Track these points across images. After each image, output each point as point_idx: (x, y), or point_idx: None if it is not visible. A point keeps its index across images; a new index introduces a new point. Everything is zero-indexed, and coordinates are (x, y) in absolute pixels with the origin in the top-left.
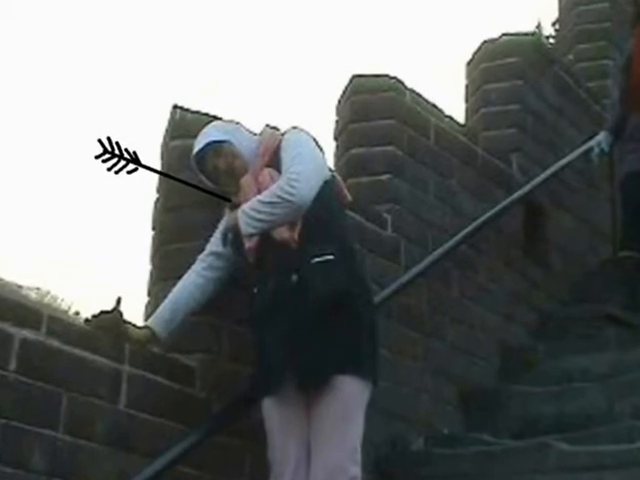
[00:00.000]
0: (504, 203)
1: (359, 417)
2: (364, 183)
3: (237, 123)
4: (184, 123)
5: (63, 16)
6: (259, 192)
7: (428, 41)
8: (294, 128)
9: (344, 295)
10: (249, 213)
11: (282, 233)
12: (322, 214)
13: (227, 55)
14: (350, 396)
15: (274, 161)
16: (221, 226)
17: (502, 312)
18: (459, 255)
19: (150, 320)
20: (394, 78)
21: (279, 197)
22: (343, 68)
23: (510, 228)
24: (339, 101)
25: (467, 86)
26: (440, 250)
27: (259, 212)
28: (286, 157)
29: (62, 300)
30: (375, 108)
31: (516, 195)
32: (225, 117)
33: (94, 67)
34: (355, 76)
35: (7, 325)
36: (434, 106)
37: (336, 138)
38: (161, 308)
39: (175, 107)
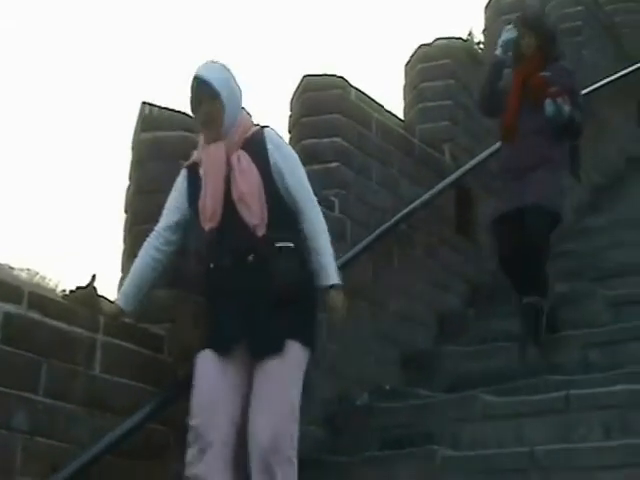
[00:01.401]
0: (438, 187)
1: (300, 379)
2: (315, 170)
3: (232, 76)
4: (152, 117)
5: (56, 14)
6: (228, 165)
7: (371, 46)
8: (269, 127)
9: (298, 279)
10: (336, 272)
11: (253, 219)
12: (287, 207)
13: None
14: (294, 359)
15: (249, 147)
16: (175, 187)
17: (438, 283)
18: (399, 233)
19: (117, 297)
20: (340, 77)
21: (328, 237)
22: (294, 69)
23: (443, 209)
24: (292, 98)
25: (405, 85)
26: (382, 229)
27: (334, 260)
28: (293, 175)
29: (50, 280)
30: (324, 104)
31: (448, 180)
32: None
33: (85, 63)
34: (306, 76)
35: None
36: (376, 102)
37: (290, 130)
38: (126, 284)
39: (144, 103)
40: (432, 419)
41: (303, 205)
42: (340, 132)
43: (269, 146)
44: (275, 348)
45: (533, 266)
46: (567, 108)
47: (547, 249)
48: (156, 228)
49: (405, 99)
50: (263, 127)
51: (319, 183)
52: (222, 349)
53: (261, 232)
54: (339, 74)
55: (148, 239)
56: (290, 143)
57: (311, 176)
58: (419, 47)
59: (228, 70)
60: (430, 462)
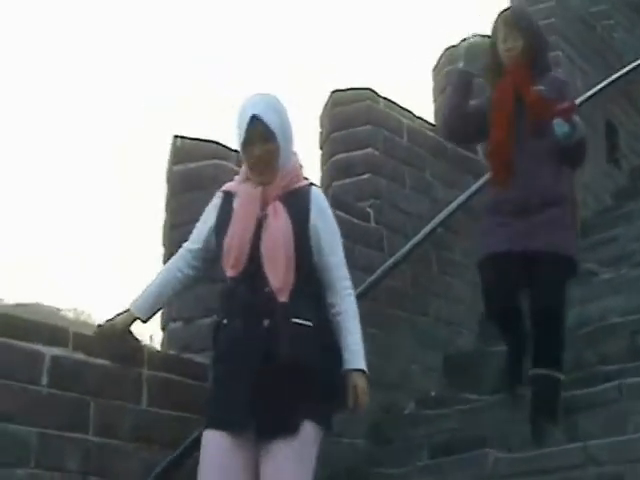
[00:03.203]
0: (474, 187)
1: (311, 458)
2: (348, 184)
3: (285, 111)
4: (184, 150)
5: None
6: (262, 212)
7: (398, 53)
8: (316, 187)
9: (311, 365)
10: (363, 358)
11: (277, 282)
12: (315, 274)
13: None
14: (304, 439)
15: (291, 201)
16: (207, 210)
17: (477, 284)
18: (436, 238)
19: (133, 306)
20: (368, 89)
21: (357, 317)
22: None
23: (479, 208)
24: (321, 114)
25: (434, 88)
26: (419, 236)
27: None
28: (332, 247)
29: (96, 317)
30: (353, 117)
31: (484, 179)
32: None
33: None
34: (334, 91)
35: (39, 345)
36: (405, 109)
37: (321, 147)
38: (146, 294)
39: (176, 136)
40: (481, 422)
41: (337, 282)
42: (371, 143)
43: (313, 207)
44: (286, 430)
45: (547, 330)
46: (582, 124)
47: (564, 307)
48: (184, 245)
49: (435, 102)
50: (311, 184)
51: (352, 196)
52: (229, 431)
53: (282, 298)
54: (367, 86)
55: (174, 257)
56: (322, 159)
57: (344, 190)
58: (445, 50)
59: (282, 105)
60: (483, 466)
